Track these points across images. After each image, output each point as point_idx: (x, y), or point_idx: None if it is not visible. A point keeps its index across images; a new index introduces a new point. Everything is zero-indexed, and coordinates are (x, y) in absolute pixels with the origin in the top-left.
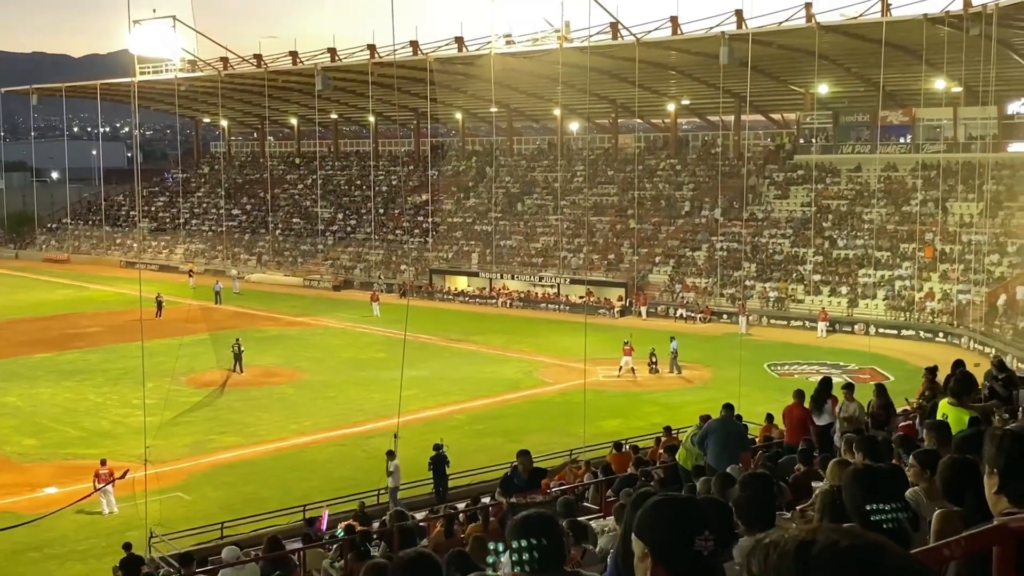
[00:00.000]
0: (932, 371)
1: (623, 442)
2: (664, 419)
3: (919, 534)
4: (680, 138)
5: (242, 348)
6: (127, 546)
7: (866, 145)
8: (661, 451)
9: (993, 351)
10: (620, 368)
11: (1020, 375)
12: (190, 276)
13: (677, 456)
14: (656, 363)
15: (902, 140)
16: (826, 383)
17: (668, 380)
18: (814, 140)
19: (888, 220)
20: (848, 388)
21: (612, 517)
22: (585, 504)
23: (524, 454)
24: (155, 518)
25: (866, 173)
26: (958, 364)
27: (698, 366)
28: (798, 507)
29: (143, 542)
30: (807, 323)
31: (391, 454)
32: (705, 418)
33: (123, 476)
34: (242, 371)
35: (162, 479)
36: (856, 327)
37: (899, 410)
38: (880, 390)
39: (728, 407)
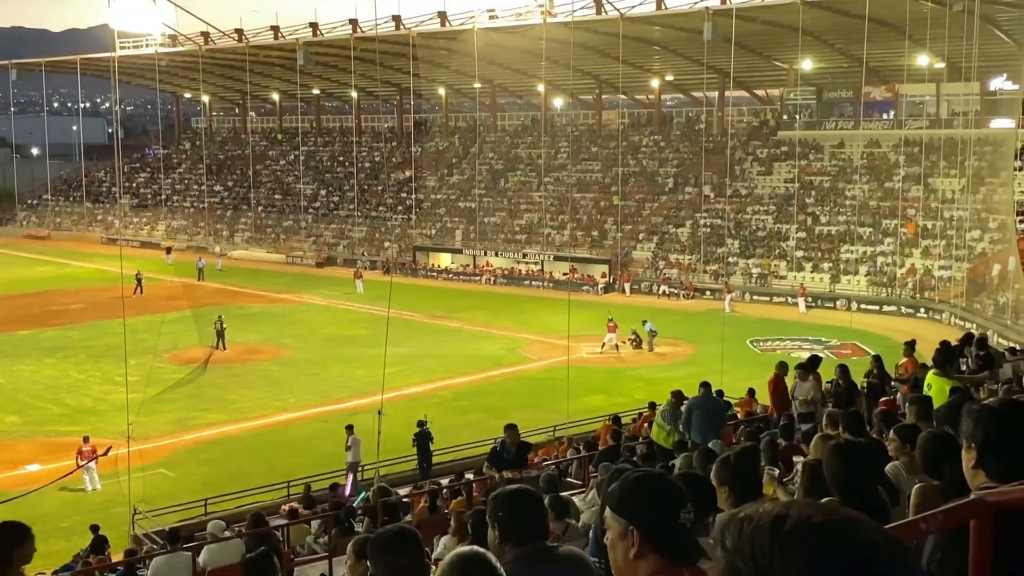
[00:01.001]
0: (911, 344)
1: (619, 415)
2: (647, 395)
3: (899, 508)
4: (664, 114)
5: (224, 325)
6: (94, 528)
7: (849, 121)
8: (645, 425)
9: (975, 326)
10: (603, 345)
11: (1002, 350)
12: (167, 253)
13: (651, 433)
14: (639, 340)
15: (885, 116)
16: (814, 360)
17: (650, 356)
18: (797, 116)
19: (871, 196)
20: (803, 368)
21: (594, 491)
22: (569, 480)
23: (511, 428)
24: (138, 495)
25: (849, 149)
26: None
27: (680, 342)
28: (782, 480)
29: (127, 519)
30: (789, 299)
31: (350, 428)
32: (677, 394)
33: (106, 453)
34: (225, 348)
35: (145, 456)
36: (838, 303)
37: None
38: (843, 370)
39: (706, 385)
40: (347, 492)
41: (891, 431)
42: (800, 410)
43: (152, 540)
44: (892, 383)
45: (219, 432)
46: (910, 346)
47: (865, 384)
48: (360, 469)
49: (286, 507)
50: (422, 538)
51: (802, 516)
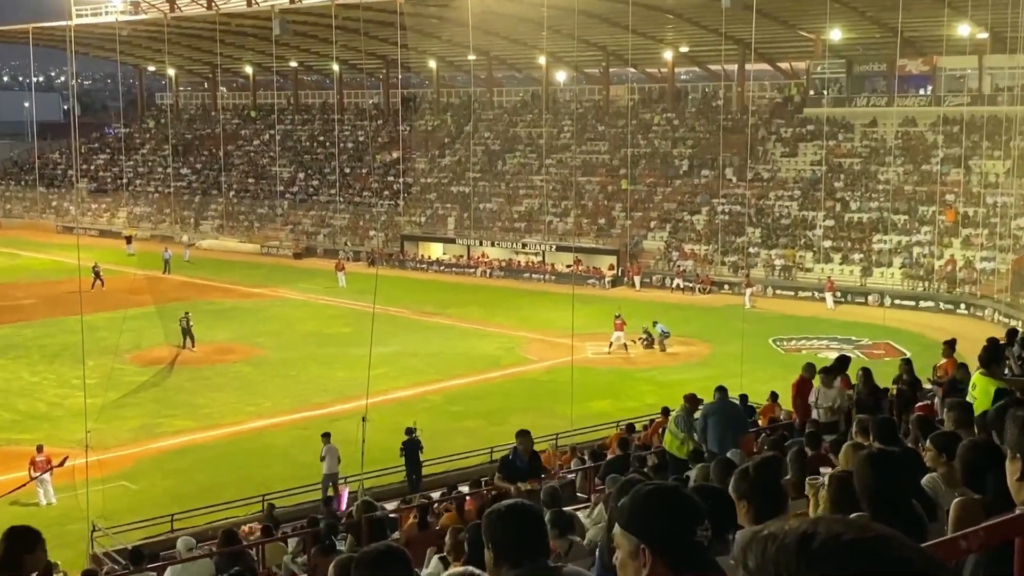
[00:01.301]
0: (951, 344)
1: (632, 423)
2: (659, 399)
3: (936, 524)
4: (678, 89)
5: (191, 323)
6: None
7: (882, 97)
8: (658, 433)
9: (1021, 323)
10: (611, 344)
11: None
12: (128, 243)
13: (664, 442)
14: (651, 339)
15: (922, 92)
16: (843, 360)
17: (662, 357)
18: (825, 92)
19: (906, 180)
20: (828, 372)
21: (600, 506)
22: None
23: (524, 435)
24: (98, 510)
25: (882, 128)
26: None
27: (696, 341)
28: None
29: (85, 536)
30: (816, 294)
31: (326, 436)
32: (691, 398)
33: (62, 464)
34: (193, 347)
35: (105, 467)
36: (870, 298)
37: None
38: (865, 375)
39: (722, 389)
40: (342, 506)
41: (927, 440)
42: (824, 419)
43: (113, 560)
44: (928, 387)
45: (187, 440)
46: (949, 346)
47: (895, 391)
48: (343, 481)
49: (246, 528)
50: (411, 557)
51: (831, 533)
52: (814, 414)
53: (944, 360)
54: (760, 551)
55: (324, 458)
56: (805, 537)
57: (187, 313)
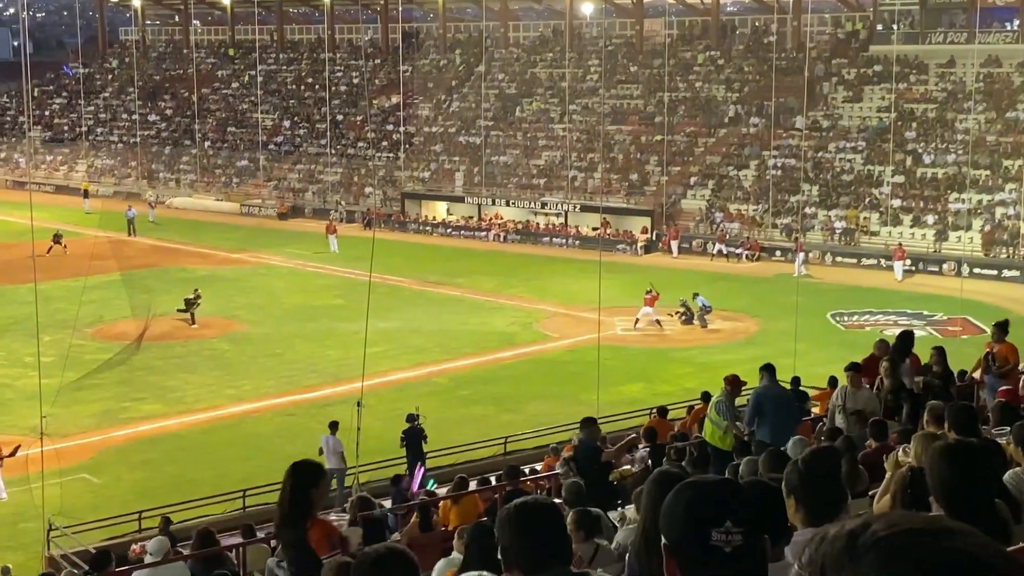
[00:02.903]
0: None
1: (667, 407)
2: (699, 383)
3: (1021, 526)
4: (723, 24)
5: (200, 298)
6: None
7: (961, 33)
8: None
9: None
10: (637, 320)
11: None
12: (85, 198)
13: (704, 432)
14: (690, 314)
15: (1007, 26)
16: (906, 337)
17: (702, 335)
18: (895, 27)
19: (988, 130)
20: (855, 368)
21: (631, 506)
22: None
23: (590, 422)
24: (55, 506)
25: (961, 69)
26: None
27: (742, 316)
28: (870, 492)
29: (40, 536)
30: (883, 261)
31: (333, 425)
32: (733, 380)
33: (13, 453)
34: (193, 323)
35: (63, 457)
36: (944, 266)
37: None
38: (940, 355)
39: (769, 369)
40: (415, 485)
41: (1010, 432)
42: (848, 428)
43: (72, 563)
44: (971, 376)
45: (156, 428)
46: (1001, 328)
47: (921, 385)
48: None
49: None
50: (418, 561)
51: (888, 528)
52: (837, 420)
53: (998, 346)
54: (813, 548)
55: (322, 451)
56: (856, 530)
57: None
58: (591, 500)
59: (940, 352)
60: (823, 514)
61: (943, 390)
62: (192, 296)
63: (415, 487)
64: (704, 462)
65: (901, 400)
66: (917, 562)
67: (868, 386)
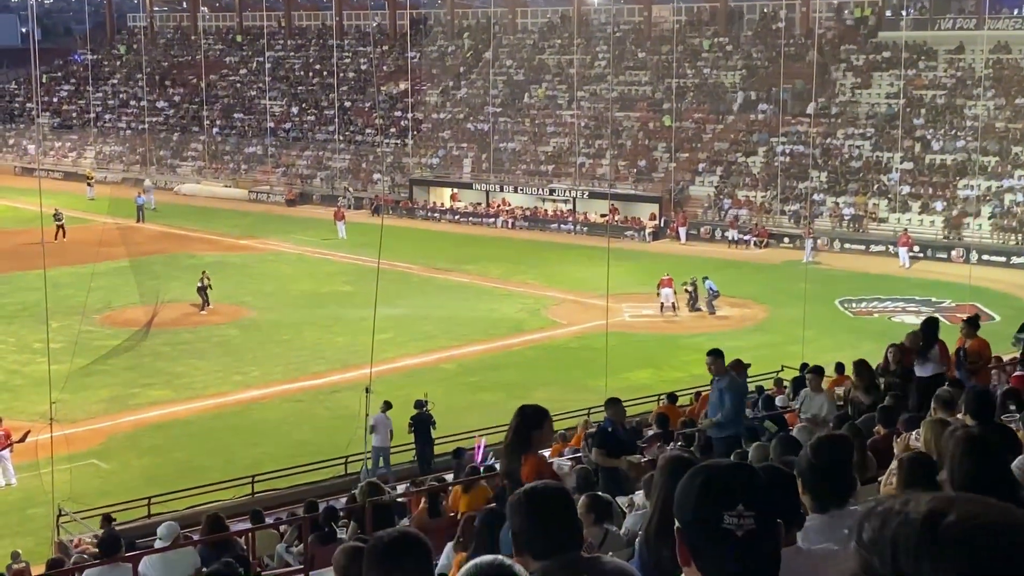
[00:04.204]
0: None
1: (676, 393)
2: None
3: None
4: (732, 10)
5: (209, 281)
6: None
7: (971, 19)
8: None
9: None
10: (662, 305)
11: None
12: (89, 185)
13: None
14: (695, 296)
15: (1017, 12)
16: (931, 324)
17: (712, 321)
18: (904, 12)
19: (997, 116)
20: (816, 371)
21: (640, 492)
22: None
23: (615, 403)
24: (64, 491)
25: (970, 55)
26: None
27: (750, 303)
28: (878, 479)
29: (49, 522)
30: (891, 248)
31: (386, 405)
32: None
33: (23, 439)
34: (208, 306)
35: (73, 443)
36: (953, 253)
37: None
38: (899, 352)
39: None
40: (478, 457)
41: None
42: (801, 435)
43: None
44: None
45: (165, 413)
46: (971, 324)
47: (884, 384)
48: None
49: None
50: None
51: (967, 514)
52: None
53: (970, 341)
54: (878, 525)
55: (374, 428)
56: (933, 515)
57: (205, 272)
58: (605, 485)
59: (899, 350)
60: (832, 502)
61: (901, 390)
62: (202, 283)
63: (478, 459)
64: (712, 448)
65: (907, 389)
66: (1008, 560)
67: (826, 391)
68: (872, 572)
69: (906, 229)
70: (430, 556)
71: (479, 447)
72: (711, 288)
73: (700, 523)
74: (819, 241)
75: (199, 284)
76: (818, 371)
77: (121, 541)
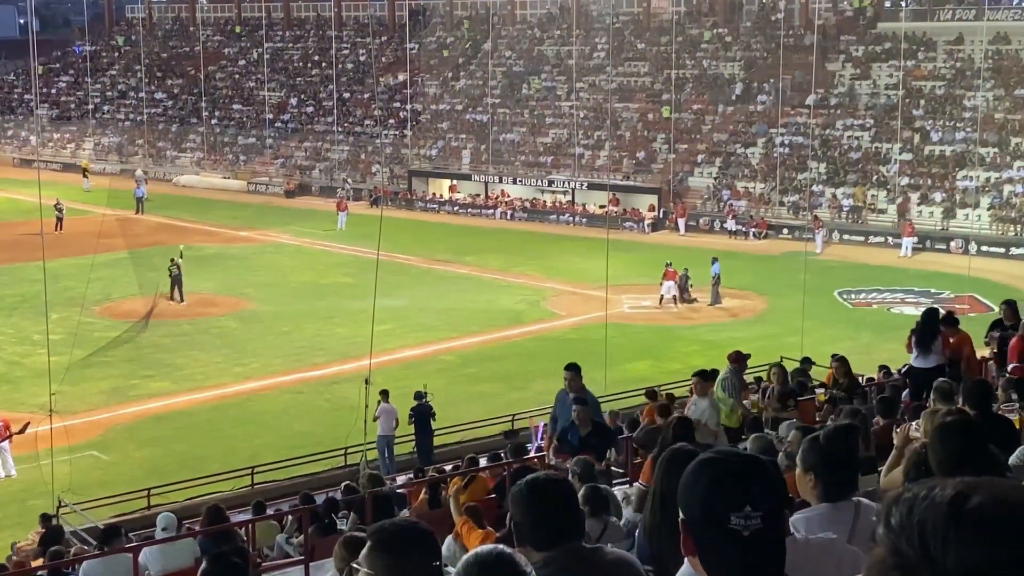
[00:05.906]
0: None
1: (656, 389)
2: (706, 361)
3: None
4: (731, 0)
5: (181, 269)
6: None
7: (970, 9)
8: None
9: None
10: (662, 297)
11: None
12: (84, 176)
13: None
14: (685, 288)
15: (1016, 3)
16: (932, 315)
17: (710, 312)
18: (903, 3)
19: (996, 107)
20: (701, 375)
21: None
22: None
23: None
24: (64, 483)
25: (969, 46)
26: None
27: (750, 294)
28: (878, 468)
29: (49, 511)
30: (890, 239)
31: (383, 394)
32: (736, 356)
33: (22, 431)
34: (182, 299)
35: (72, 434)
36: (952, 244)
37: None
38: (843, 364)
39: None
40: (538, 438)
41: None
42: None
43: (81, 539)
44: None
45: (164, 405)
46: (950, 323)
47: (826, 396)
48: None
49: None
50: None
51: (992, 496)
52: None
53: (953, 337)
54: (906, 510)
55: (378, 418)
56: (958, 498)
57: (175, 258)
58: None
59: (843, 362)
60: (841, 490)
61: (847, 401)
62: (174, 271)
63: (537, 439)
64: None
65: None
66: None
67: (712, 396)
68: (900, 556)
69: (910, 220)
70: (436, 547)
71: (539, 431)
72: (716, 272)
73: (706, 522)
74: (831, 233)
75: (171, 272)
76: (703, 375)
77: (120, 531)
